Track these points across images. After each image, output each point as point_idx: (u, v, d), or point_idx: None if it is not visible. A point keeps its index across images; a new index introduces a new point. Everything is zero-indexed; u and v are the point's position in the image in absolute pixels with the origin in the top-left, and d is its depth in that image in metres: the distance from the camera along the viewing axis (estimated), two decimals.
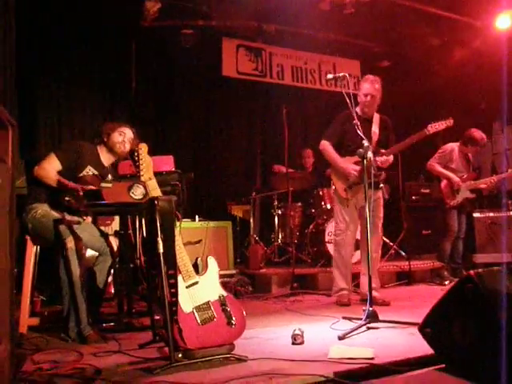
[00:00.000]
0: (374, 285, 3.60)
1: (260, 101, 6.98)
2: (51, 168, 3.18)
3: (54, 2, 5.21)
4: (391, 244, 5.84)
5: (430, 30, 6.62)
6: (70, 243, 2.97)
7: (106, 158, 3.45)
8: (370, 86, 3.97)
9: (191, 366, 2.27)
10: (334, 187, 4.29)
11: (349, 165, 3.94)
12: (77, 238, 3.01)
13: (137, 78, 6.07)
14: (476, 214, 5.88)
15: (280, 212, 5.97)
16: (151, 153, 6.50)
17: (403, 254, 5.71)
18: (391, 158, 3.95)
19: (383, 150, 3.92)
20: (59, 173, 3.17)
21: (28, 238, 3.23)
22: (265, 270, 5.12)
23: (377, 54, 7.22)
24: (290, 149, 5.33)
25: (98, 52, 5.94)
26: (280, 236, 5.95)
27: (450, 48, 6.81)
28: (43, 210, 3.13)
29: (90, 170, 3.30)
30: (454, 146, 5.40)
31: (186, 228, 5.04)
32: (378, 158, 3.83)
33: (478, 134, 5.26)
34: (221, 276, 4.85)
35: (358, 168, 3.84)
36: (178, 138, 6.57)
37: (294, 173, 5.93)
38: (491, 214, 5.88)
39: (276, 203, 6.00)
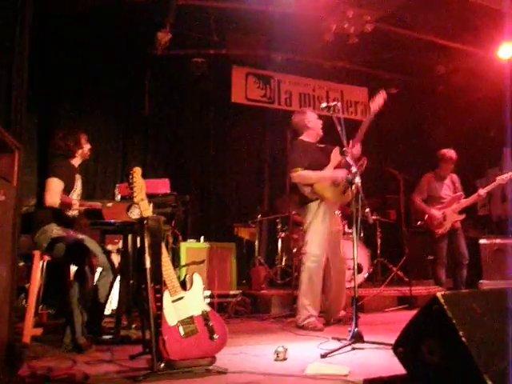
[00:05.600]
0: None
1: (268, 126, 7.15)
2: (57, 193, 3.44)
3: (71, 31, 5.54)
4: (393, 269, 5.89)
5: (437, 58, 6.77)
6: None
7: (76, 164, 3.78)
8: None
9: (173, 376, 2.41)
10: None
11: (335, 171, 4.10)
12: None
13: (150, 105, 6.34)
14: (482, 240, 5.83)
15: (283, 235, 6.09)
16: (165, 176, 6.69)
17: (405, 278, 5.75)
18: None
19: (351, 141, 3.84)
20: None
21: (35, 253, 3.43)
22: (265, 291, 5.22)
23: (384, 81, 7.34)
24: None
25: (113, 79, 6.22)
26: (283, 258, 6.06)
27: (456, 75, 6.92)
28: (57, 230, 3.39)
29: (78, 179, 3.67)
30: (429, 175, 5.57)
31: (191, 248, 5.23)
32: (353, 150, 3.85)
33: (446, 151, 5.44)
34: (223, 296, 5.06)
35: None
36: (190, 162, 6.77)
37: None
38: (498, 241, 5.82)
39: (280, 226, 6.14)
